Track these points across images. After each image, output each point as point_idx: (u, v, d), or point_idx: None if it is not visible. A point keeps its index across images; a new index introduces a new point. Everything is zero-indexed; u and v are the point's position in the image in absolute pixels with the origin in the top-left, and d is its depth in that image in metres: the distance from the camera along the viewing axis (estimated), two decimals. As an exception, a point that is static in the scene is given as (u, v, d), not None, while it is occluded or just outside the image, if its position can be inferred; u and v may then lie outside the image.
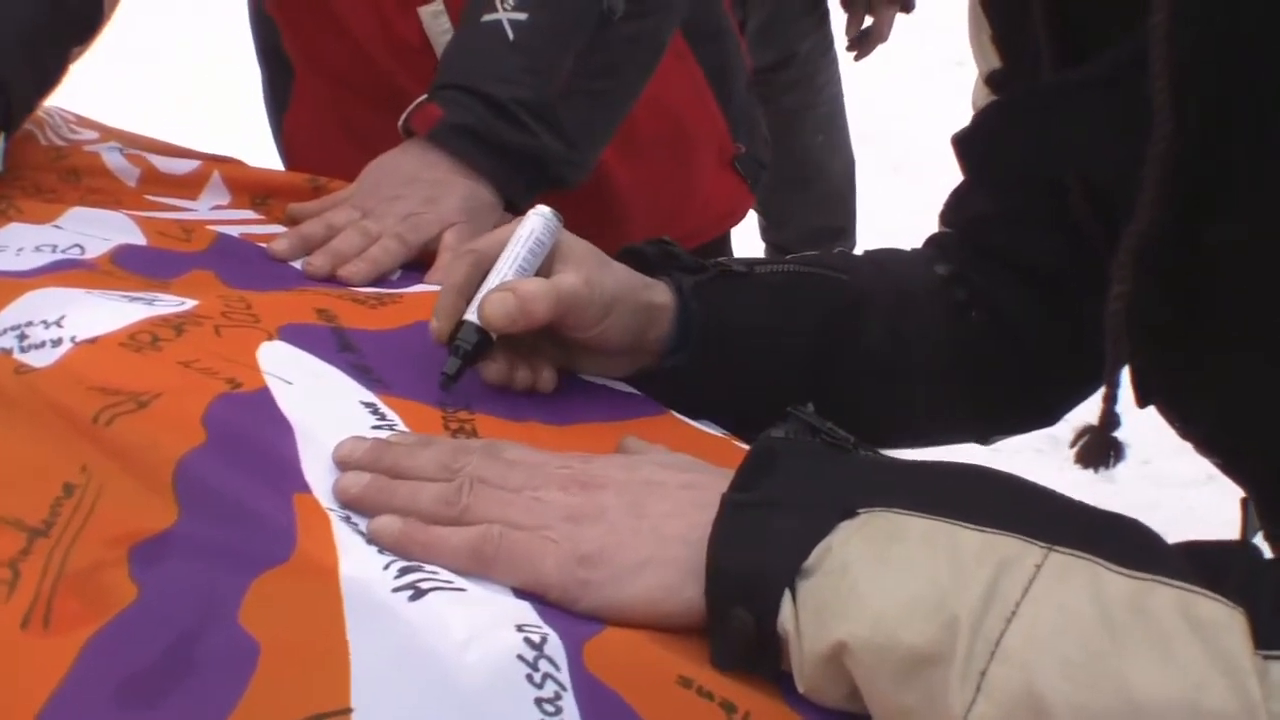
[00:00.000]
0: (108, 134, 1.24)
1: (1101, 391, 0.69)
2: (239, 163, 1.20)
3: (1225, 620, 0.47)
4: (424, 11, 1.18)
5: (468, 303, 0.75)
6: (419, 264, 1.01)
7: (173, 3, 4.57)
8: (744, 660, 0.55)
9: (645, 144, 1.33)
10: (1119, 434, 0.75)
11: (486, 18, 1.06)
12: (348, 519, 0.60)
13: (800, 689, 0.54)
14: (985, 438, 0.96)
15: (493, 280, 0.75)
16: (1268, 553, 0.76)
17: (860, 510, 0.54)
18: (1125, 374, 0.73)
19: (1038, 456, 2.40)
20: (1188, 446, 0.77)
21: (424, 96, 1.06)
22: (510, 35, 1.05)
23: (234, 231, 1.02)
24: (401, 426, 0.69)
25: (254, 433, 0.64)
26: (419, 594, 0.54)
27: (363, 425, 0.68)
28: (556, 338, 0.78)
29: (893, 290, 0.88)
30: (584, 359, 0.81)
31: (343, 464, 0.64)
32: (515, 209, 1.07)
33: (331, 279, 0.95)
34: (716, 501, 0.57)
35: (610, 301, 0.76)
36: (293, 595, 0.54)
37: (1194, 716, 0.46)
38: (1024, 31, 0.74)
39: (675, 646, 0.55)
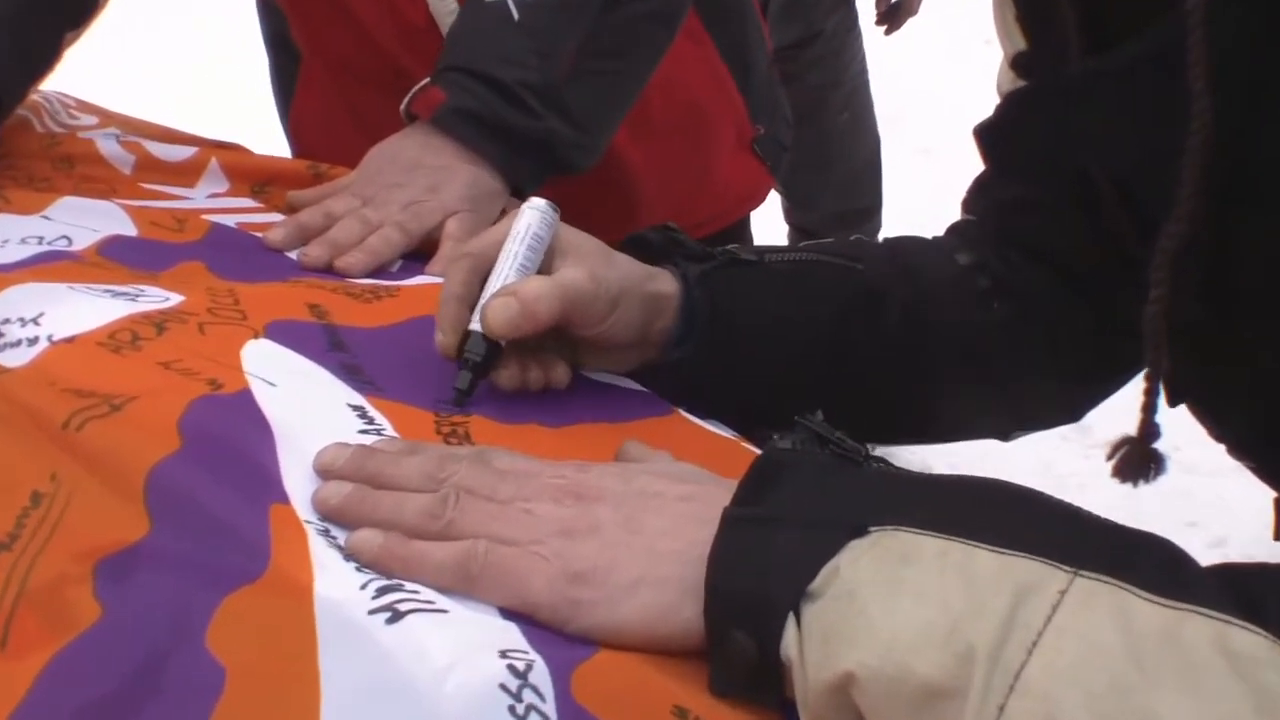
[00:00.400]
0: (108, 119, 1.21)
1: (1140, 401, 0.65)
2: (240, 149, 1.17)
3: (1264, 654, 0.43)
4: (430, -11, 1.15)
5: (471, 310, 0.72)
6: (421, 253, 0.98)
7: (173, 3, 4.56)
8: (744, 687, 0.51)
9: (659, 127, 1.30)
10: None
11: None
12: (326, 532, 0.57)
13: None
14: (1006, 434, 0.92)
15: (494, 283, 0.72)
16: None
17: (871, 528, 0.51)
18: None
19: (1062, 443, 2.36)
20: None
21: (427, 80, 1.03)
22: (515, 15, 1.02)
23: (230, 221, 0.99)
24: (390, 431, 0.66)
25: (232, 438, 0.61)
26: (397, 616, 0.50)
27: (349, 429, 0.65)
28: (560, 334, 0.75)
29: (911, 280, 0.84)
30: (587, 354, 0.77)
31: (324, 472, 0.60)
32: (521, 196, 1.03)
33: (329, 270, 0.92)
34: (717, 516, 0.53)
35: (616, 295, 0.73)
36: (264, 616, 0.51)
37: None
38: (1050, 13, 0.70)
39: (671, 671, 0.52)
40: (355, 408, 0.67)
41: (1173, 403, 0.73)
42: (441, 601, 0.52)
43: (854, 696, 0.48)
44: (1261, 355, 0.64)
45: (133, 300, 0.75)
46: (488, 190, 1.02)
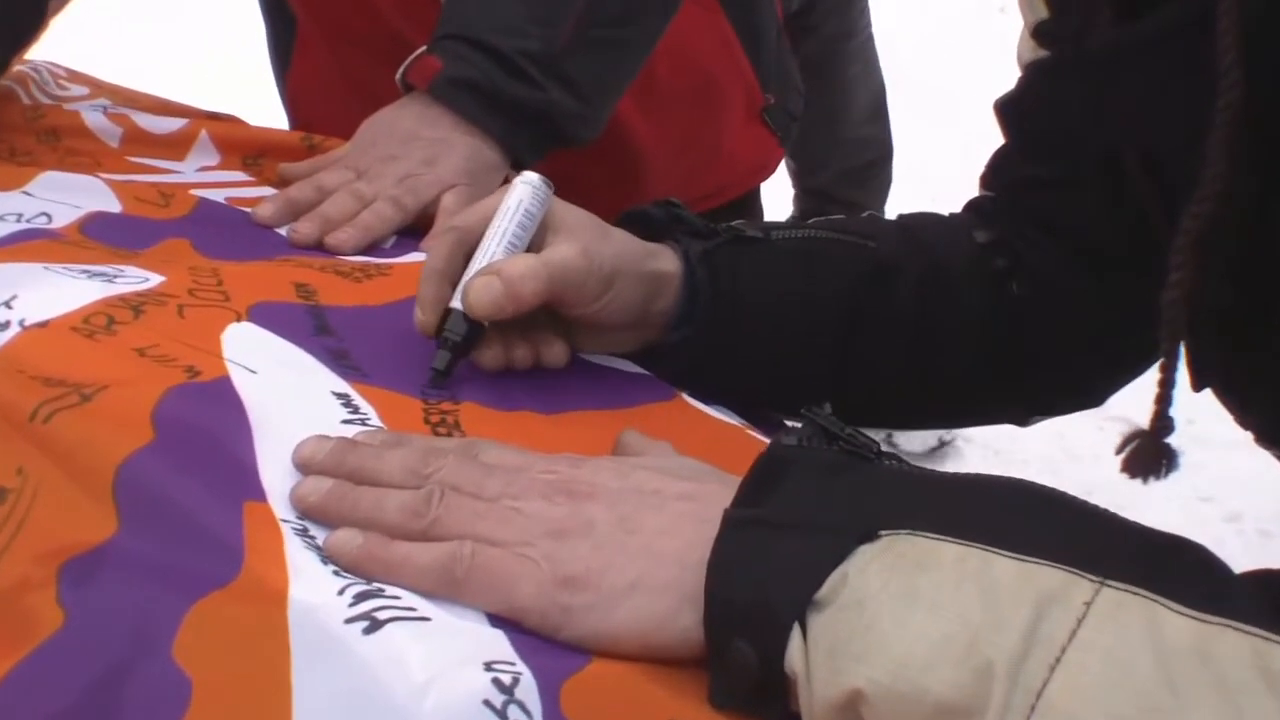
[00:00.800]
0: (99, 89, 1.17)
1: (1155, 393, 0.61)
2: (234, 120, 1.13)
3: None
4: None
5: (454, 287, 0.69)
6: (416, 229, 0.94)
7: (172, 3, 4.53)
8: (746, 700, 0.48)
9: (667, 97, 1.26)
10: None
11: None
12: (304, 531, 0.54)
13: None
14: (1024, 419, 0.89)
15: (479, 260, 0.68)
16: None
17: (882, 532, 0.47)
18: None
19: (1076, 414, 2.33)
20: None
21: (423, 48, 0.99)
22: None
23: (219, 195, 0.95)
24: (376, 420, 0.63)
25: (208, 430, 0.58)
26: (375, 625, 0.47)
27: (332, 419, 0.61)
28: (555, 314, 0.71)
29: (925, 257, 0.80)
30: (584, 336, 0.74)
31: (303, 466, 0.57)
32: (521, 169, 0.99)
33: (319, 247, 0.88)
34: (718, 516, 0.50)
35: (611, 274, 0.70)
36: (234, 625, 0.48)
37: None
38: None
39: (668, 683, 0.49)
40: (340, 396, 0.64)
41: (1197, 387, 0.69)
42: (424, 608, 0.49)
43: (863, 715, 0.45)
44: None
45: (110, 281, 0.72)
46: (486, 163, 0.98)
